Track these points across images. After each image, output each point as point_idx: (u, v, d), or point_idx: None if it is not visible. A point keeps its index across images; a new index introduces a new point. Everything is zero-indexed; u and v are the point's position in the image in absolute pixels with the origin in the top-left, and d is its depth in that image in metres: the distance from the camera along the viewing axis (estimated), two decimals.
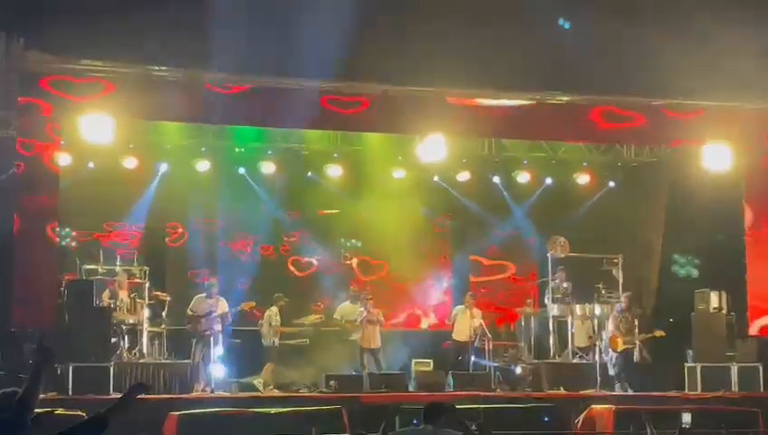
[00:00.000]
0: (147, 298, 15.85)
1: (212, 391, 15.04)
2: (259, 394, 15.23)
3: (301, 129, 17.73)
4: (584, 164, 19.81)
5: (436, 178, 19.58)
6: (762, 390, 16.29)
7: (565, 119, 16.92)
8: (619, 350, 16.87)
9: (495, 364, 16.89)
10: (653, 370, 17.34)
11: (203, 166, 18.43)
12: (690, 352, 16.98)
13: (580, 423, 14.74)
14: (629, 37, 14.75)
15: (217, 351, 15.63)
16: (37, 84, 14.43)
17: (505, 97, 16.31)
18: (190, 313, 15.97)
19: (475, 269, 20.06)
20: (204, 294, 16.12)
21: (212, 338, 15.55)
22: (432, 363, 17.55)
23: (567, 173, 19.89)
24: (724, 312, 16.98)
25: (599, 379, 16.45)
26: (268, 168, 18.76)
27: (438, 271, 19.89)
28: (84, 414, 10.85)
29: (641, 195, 20.18)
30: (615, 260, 17.66)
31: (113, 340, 15.09)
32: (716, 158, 16.92)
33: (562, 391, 16.03)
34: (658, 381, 16.83)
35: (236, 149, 18.85)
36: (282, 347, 16.82)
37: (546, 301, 17.78)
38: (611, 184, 20.23)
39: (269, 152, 18.86)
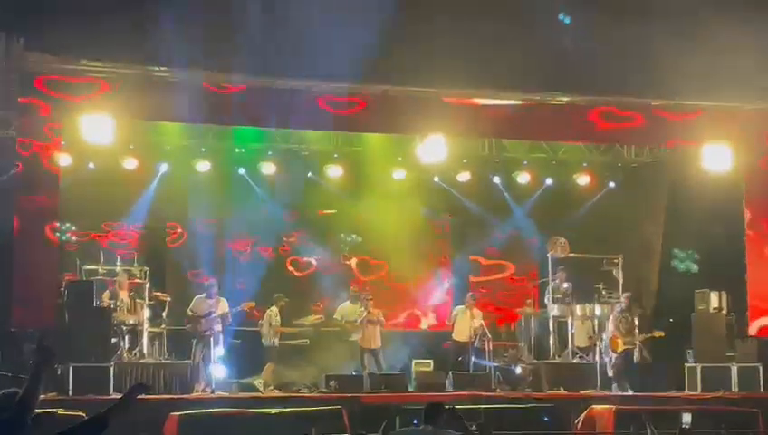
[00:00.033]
0: (147, 298, 15.85)
1: (212, 392, 15.04)
2: (259, 395, 15.22)
3: (301, 129, 17.74)
4: (584, 165, 19.80)
5: (436, 179, 19.57)
6: (762, 390, 16.30)
7: (564, 119, 16.92)
8: (619, 351, 16.87)
9: (496, 365, 16.89)
10: (653, 370, 17.34)
11: (203, 166, 18.42)
12: (690, 352, 16.98)
13: (580, 424, 14.74)
14: (629, 38, 14.75)
15: (218, 351, 15.64)
16: (34, 84, 14.43)
17: (505, 97, 16.31)
18: (190, 313, 15.96)
19: (474, 269, 20.06)
20: (204, 295, 16.11)
21: (212, 338, 15.55)
22: (432, 364, 17.55)
23: (567, 174, 19.89)
24: (724, 312, 16.99)
25: (599, 379, 16.46)
26: (268, 168, 18.75)
27: (439, 271, 19.88)
28: (84, 415, 10.82)
29: (641, 195, 20.17)
30: (615, 260, 17.67)
31: (113, 340, 15.09)
32: (716, 158, 16.93)
33: (562, 391, 16.04)
34: (659, 381, 16.82)
35: (236, 150, 18.85)
36: (282, 347, 16.83)
37: (546, 301, 17.77)
38: (611, 184, 20.22)
39: (269, 153, 18.85)
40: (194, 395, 14.70)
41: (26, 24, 13.84)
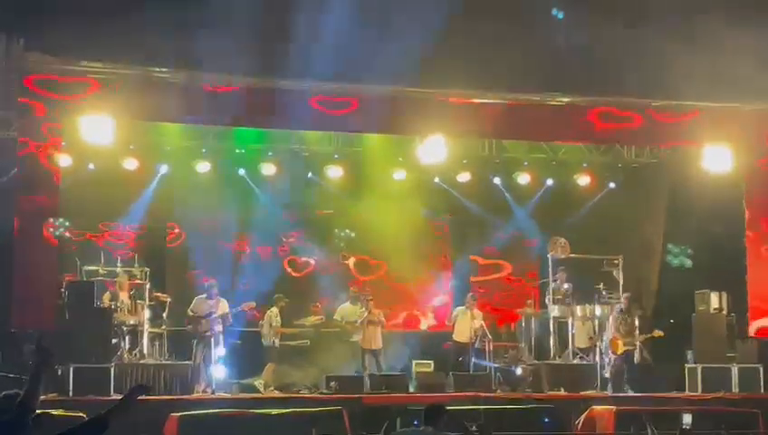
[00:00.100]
0: (147, 299, 15.83)
1: (213, 393, 15.03)
2: (260, 395, 15.21)
3: (302, 130, 17.75)
4: (584, 165, 19.79)
5: (436, 180, 19.56)
6: (762, 391, 16.30)
7: (564, 119, 16.94)
8: (619, 352, 16.87)
9: (496, 365, 16.89)
10: (653, 371, 17.34)
11: (203, 167, 18.41)
12: (690, 352, 16.99)
13: (580, 424, 14.73)
14: (628, 38, 14.77)
15: (218, 352, 15.63)
16: (34, 84, 14.44)
17: (505, 97, 16.30)
18: (191, 313, 15.95)
19: (473, 269, 20.06)
20: (204, 295, 16.10)
21: (213, 339, 15.55)
22: (433, 364, 17.54)
23: (567, 174, 19.88)
24: (724, 313, 16.99)
25: (599, 380, 16.46)
26: (268, 169, 18.74)
27: (439, 272, 19.88)
28: (85, 415, 10.83)
29: (641, 196, 20.17)
30: (615, 261, 17.65)
31: (114, 341, 15.09)
32: (716, 159, 16.93)
33: (563, 391, 16.03)
34: (659, 381, 16.81)
35: (237, 151, 18.84)
36: (282, 348, 16.82)
37: (547, 302, 17.76)
38: (612, 185, 20.21)
39: (269, 154, 18.84)
40: (194, 396, 14.69)
41: (26, 24, 13.85)
